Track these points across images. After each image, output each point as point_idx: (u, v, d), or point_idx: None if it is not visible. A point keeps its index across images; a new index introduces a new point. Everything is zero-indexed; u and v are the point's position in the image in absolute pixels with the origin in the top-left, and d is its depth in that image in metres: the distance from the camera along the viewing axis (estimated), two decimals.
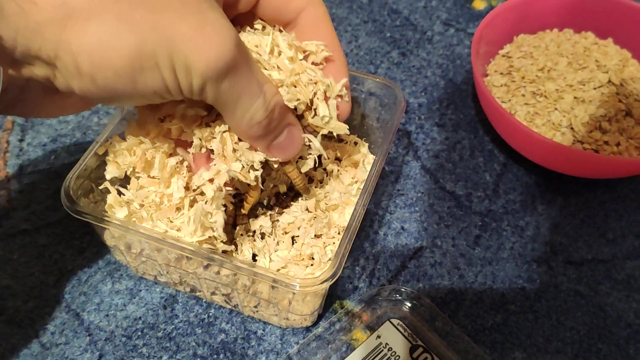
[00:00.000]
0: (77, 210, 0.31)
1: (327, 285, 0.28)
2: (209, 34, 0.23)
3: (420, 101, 0.48)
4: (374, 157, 0.37)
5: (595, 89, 0.43)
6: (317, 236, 0.35)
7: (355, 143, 0.39)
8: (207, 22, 0.24)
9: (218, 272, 0.32)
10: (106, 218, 0.31)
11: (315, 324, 0.36)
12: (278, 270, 0.33)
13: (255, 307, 0.34)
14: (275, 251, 0.34)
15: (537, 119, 0.43)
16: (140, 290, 0.37)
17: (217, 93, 0.25)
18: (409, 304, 0.36)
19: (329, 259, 0.33)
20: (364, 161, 0.39)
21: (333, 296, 0.37)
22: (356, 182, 0.37)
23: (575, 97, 0.43)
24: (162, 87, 0.24)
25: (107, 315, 0.36)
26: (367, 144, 0.40)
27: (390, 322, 0.35)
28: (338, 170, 0.38)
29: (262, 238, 0.35)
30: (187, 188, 0.32)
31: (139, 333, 0.35)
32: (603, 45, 0.48)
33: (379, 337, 0.34)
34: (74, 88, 0.24)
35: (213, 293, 0.35)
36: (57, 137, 0.44)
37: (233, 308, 0.36)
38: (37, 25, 0.22)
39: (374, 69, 0.50)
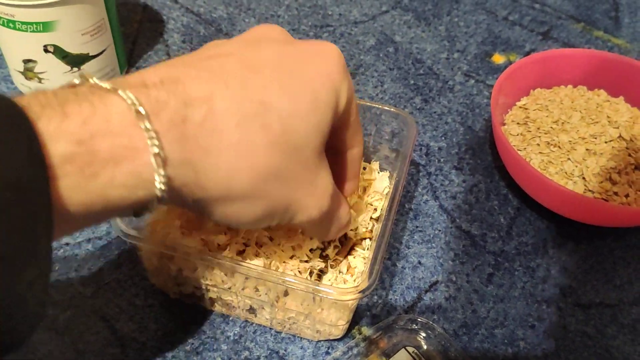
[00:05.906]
0: (126, 234, 0.34)
1: (363, 295, 0.31)
2: (315, 197, 0.29)
3: (440, 145, 0.51)
4: (385, 173, 0.43)
5: (606, 142, 0.46)
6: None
7: (364, 168, 0.43)
8: (317, 187, 0.29)
9: (257, 289, 0.34)
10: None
11: (344, 336, 0.38)
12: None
13: (289, 319, 0.36)
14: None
15: (550, 168, 0.45)
16: (172, 305, 0.39)
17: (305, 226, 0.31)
18: (423, 334, 0.38)
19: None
20: (377, 173, 0.43)
21: (352, 322, 0.39)
22: (373, 197, 0.41)
23: (587, 149, 0.46)
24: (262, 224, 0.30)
25: (140, 327, 0.38)
26: (377, 162, 0.44)
27: (406, 349, 0.37)
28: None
29: None
30: None
31: (169, 345, 0.37)
32: (614, 102, 0.51)
33: None
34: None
35: (249, 309, 0.37)
36: None
37: (265, 324, 0.38)
38: (201, 199, 0.26)
39: None
